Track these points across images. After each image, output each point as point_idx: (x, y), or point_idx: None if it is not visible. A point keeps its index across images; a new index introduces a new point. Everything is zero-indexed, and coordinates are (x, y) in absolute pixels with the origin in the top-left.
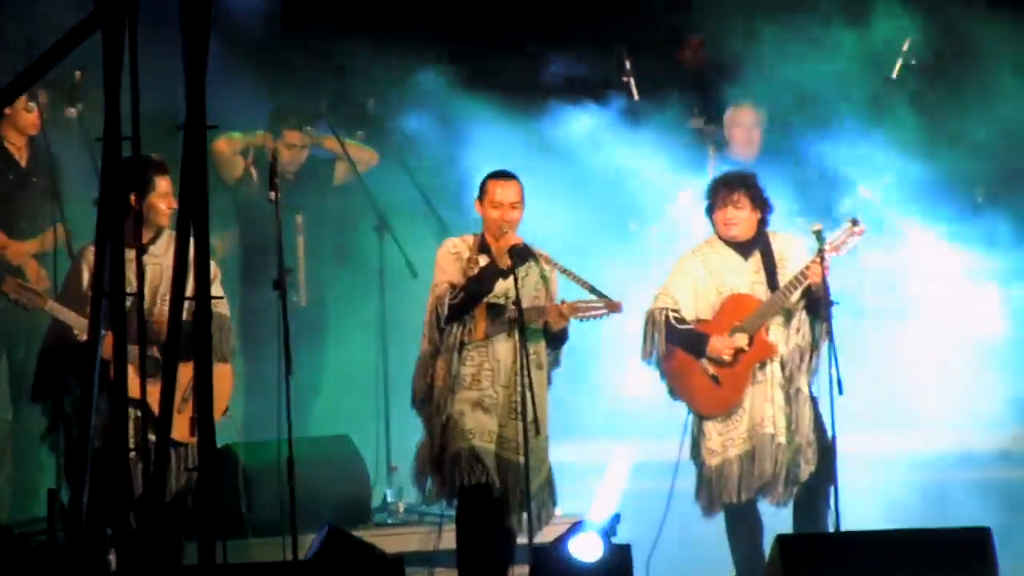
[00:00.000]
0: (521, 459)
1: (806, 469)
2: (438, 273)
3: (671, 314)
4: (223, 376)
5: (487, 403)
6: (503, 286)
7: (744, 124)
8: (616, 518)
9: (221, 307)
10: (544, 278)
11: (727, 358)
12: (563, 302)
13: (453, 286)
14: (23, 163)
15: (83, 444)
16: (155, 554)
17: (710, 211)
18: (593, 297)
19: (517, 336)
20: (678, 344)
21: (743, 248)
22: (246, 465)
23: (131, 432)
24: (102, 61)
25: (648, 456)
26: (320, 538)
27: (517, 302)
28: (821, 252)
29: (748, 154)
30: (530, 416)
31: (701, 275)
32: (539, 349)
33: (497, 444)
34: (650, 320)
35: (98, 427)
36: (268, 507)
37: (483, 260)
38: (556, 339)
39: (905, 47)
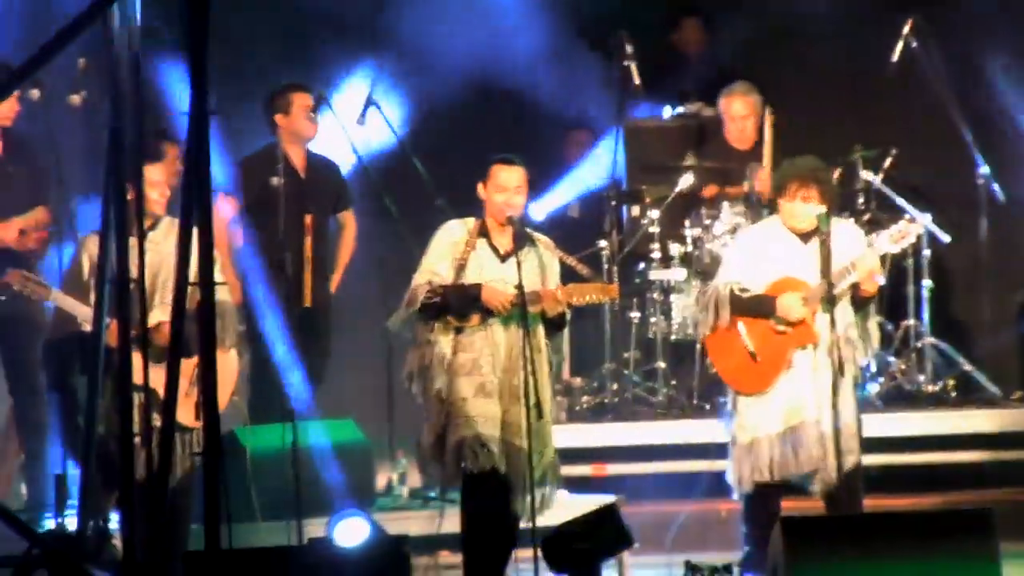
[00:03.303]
0: (525, 443)
1: (849, 459)
2: (426, 258)
3: (735, 286)
4: (228, 362)
5: (488, 388)
6: (501, 271)
7: (733, 114)
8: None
9: (223, 293)
10: (543, 264)
11: (795, 316)
12: (558, 287)
13: (431, 285)
14: None
15: (89, 432)
16: (159, 538)
17: (776, 196)
18: (590, 282)
19: (518, 319)
20: (745, 313)
21: (804, 234)
22: (251, 450)
23: (136, 418)
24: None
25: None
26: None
27: (519, 285)
28: (824, 236)
29: (741, 144)
30: (532, 400)
31: (757, 256)
32: (537, 332)
33: (501, 429)
34: (713, 295)
35: (103, 413)
36: (273, 491)
37: (481, 244)
38: (554, 325)
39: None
